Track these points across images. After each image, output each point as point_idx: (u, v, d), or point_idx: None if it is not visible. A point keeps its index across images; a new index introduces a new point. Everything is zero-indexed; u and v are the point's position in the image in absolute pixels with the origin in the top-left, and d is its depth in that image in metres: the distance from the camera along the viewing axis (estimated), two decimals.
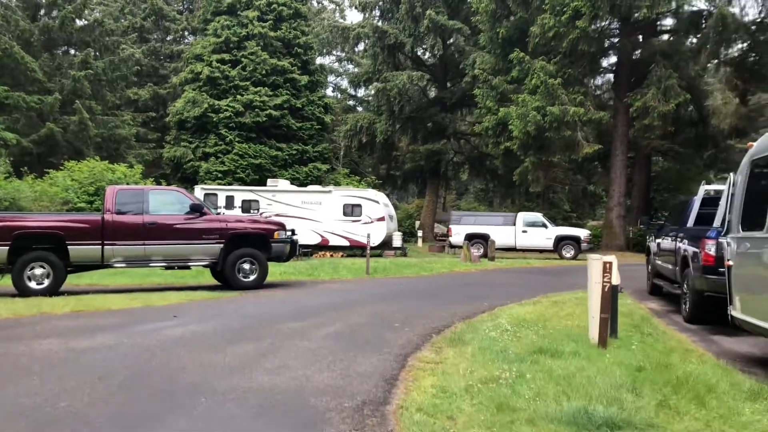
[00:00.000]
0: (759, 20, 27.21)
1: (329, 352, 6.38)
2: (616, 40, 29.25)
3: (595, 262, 7.56)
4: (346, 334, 7.46)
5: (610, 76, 32.46)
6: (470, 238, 25.48)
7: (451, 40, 39.75)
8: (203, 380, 5.26)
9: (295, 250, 13.73)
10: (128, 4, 46.20)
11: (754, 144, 7.08)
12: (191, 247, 12.20)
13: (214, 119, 31.74)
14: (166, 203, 12.46)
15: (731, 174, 7.55)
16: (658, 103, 25.34)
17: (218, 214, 13.30)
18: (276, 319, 8.48)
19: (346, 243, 25.60)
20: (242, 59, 32.41)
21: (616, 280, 7.53)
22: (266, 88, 32.32)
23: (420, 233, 37.20)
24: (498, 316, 9.17)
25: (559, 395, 4.76)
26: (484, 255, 23.58)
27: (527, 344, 6.82)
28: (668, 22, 29.55)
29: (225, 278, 12.67)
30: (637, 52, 29.35)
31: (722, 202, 8.70)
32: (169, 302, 9.90)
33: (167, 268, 12.88)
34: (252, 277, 12.59)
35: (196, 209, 12.27)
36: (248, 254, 12.61)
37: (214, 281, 13.58)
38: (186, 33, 49.62)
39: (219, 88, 32.36)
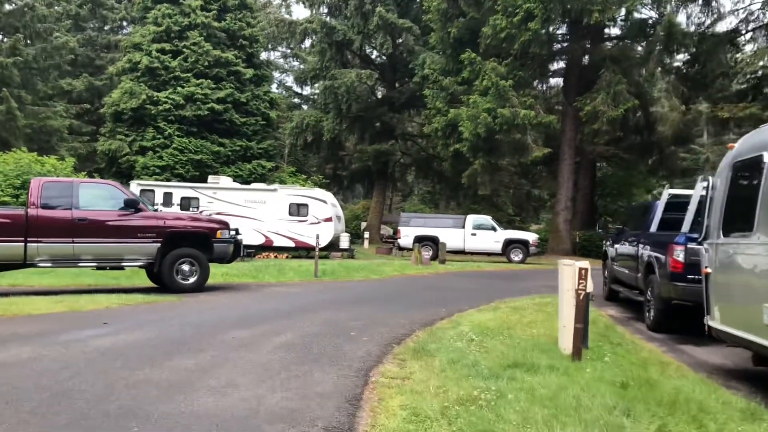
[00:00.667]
0: (702, 30, 27.80)
1: (282, 367, 5.65)
2: (566, 44, 29.40)
3: (567, 267, 7.10)
4: (299, 344, 6.72)
5: (560, 80, 32.66)
6: (419, 240, 25.00)
7: (401, 40, 39.28)
8: (136, 403, 4.46)
9: (239, 251, 12.87)
10: None
11: (735, 145, 6.73)
12: (125, 245, 11.20)
13: (153, 111, 30.30)
14: (97, 198, 11.41)
15: (710, 177, 7.20)
16: (607, 108, 25.49)
17: (155, 211, 12.30)
18: (219, 327, 7.67)
19: (292, 244, 24.76)
20: (184, 49, 31.09)
21: (590, 287, 7.07)
22: (209, 81, 31.09)
23: (367, 235, 36.62)
24: (459, 323, 8.62)
25: (549, 420, 4.19)
26: (434, 257, 23.15)
27: (498, 356, 6.27)
28: (617, 30, 29.95)
29: (162, 280, 11.73)
30: (586, 57, 29.57)
31: (691, 207, 8.40)
32: (100, 306, 8.93)
33: (98, 268, 11.82)
34: (192, 280, 11.69)
35: (131, 205, 11.28)
36: (188, 254, 11.71)
37: (150, 283, 12.62)
38: (124, 23, 47.63)
39: (158, 79, 30.94)
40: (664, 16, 26.00)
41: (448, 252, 23.94)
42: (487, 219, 26.14)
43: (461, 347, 6.67)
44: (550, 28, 25.84)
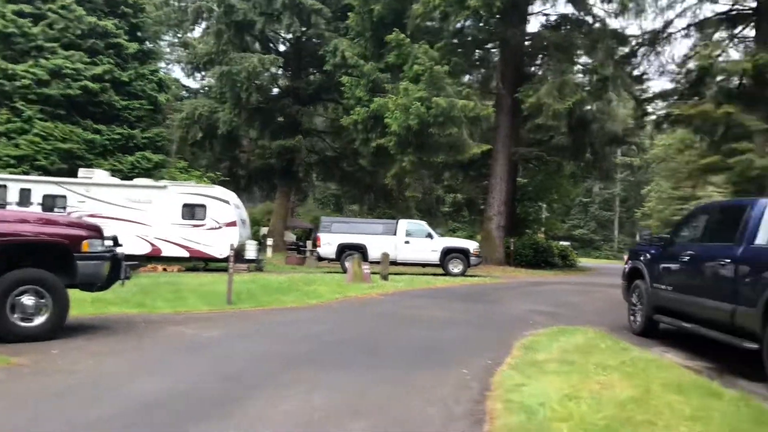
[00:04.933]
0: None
1: None
2: (503, 28, 26.31)
3: None
4: None
5: (493, 69, 29.63)
6: (344, 249, 21.11)
7: (305, 28, 34.98)
8: None
9: (119, 271, 8.37)
10: None
11: None
12: None
13: (7, 88, 24.18)
14: None
15: None
16: (553, 101, 22.66)
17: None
18: None
19: (185, 253, 20.13)
20: (49, 13, 25.14)
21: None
22: (81, 53, 25.29)
23: (270, 242, 32.17)
24: (532, 412, 4.82)
25: None
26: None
27: None
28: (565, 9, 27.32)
29: None
30: (525, 44, 26.74)
31: None
32: None
33: None
34: (38, 321, 7.13)
35: None
36: (32, 279, 7.15)
37: None
38: None
39: (15, 49, 24.84)
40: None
41: (376, 262, 20.03)
42: (422, 224, 22.58)
43: None
44: (494, 6, 22.37)
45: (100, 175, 21.37)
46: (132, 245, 19.73)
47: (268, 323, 9.01)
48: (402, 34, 24.18)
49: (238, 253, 20.91)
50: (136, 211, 20.18)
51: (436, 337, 8.29)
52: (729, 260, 7.08)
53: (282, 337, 7.80)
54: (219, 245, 19.69)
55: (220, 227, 20.29)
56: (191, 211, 20.57)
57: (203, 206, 20.51)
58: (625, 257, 11.09)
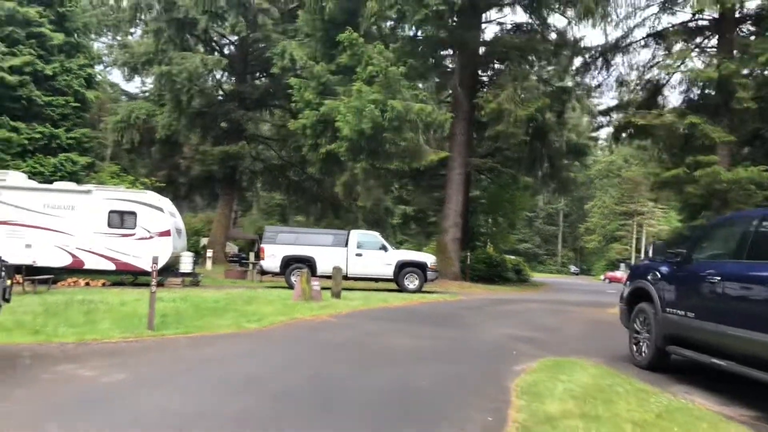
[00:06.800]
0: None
1: None
2: (462, 31, 24.95)
3: None
4: None
5: (449, 76, 28.22)
6: (290, 261, 19.21)
7: (251, 31, 32.98)
8: None
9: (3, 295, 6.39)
10: None
11: None
12: None
13: None
14: None
15: None
16: (514, 107, 21.38)
17: None
18: None
19: (111, 266, 17.92)
20: None
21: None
22: None
23: (210, 253, 29.95)
24: None
25: None
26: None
27: None
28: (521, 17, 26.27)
29: None
30: (480, 51, 25.42)
31: None
32: None
33: None
34: None
35: None
36: None
37: None
38: None
39: None
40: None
41: (325, 277, 18.16)
42: (375, 236, 20.85)
43: None
44: (456, 4, 20.98)
45: (15, 177, 18.93)
46: (50, 256, 17.58)
47: (194, 361, 7.07)
48: (355, 33, 22.58)
49: (172, 265, 18.88)
50: (55, 218, 17.91)
51: (408, 378, 6.55)
52: None
53: (209, 385, 5.90)
54: (150, 257, 17.49)
55: (151, 237, 18.17)
56: (119, 219, 18.39)
57: (133, 213, 18.36)
58: (624, 275, 9.61)
